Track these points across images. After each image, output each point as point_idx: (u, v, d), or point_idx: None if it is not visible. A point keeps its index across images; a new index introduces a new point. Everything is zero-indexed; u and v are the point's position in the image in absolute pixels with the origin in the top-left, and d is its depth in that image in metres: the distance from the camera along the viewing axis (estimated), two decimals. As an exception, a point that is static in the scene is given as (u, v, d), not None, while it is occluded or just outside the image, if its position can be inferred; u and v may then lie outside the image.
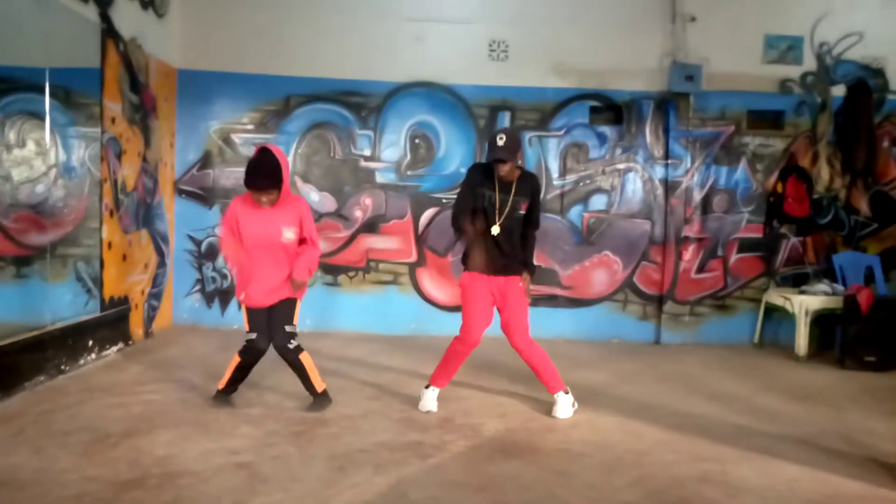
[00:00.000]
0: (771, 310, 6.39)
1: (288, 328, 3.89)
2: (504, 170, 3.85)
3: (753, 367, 5.62)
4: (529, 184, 4.02)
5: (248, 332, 3.91)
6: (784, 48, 6.50)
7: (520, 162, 3.94)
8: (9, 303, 4.70)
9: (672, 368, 5.51)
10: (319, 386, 4.06)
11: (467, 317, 4.02)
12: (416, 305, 6.51)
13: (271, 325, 3.90)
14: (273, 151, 3.75)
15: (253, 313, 3.91)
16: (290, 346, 3.90)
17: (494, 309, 4.07)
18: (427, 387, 4.17)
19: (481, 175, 3.99)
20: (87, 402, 4.02)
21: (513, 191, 3.94)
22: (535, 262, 6.18)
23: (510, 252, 4.00)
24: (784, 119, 6.52)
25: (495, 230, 3.92)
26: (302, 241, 3.94)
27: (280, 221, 3.82)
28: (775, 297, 6.28)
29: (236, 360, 3.96)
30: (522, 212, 3.98)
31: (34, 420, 3.64)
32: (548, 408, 4.17)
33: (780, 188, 6.51)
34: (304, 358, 3.97)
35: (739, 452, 3.57)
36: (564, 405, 4.09)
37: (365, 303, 6.45)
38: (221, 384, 4.05)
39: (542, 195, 4.23)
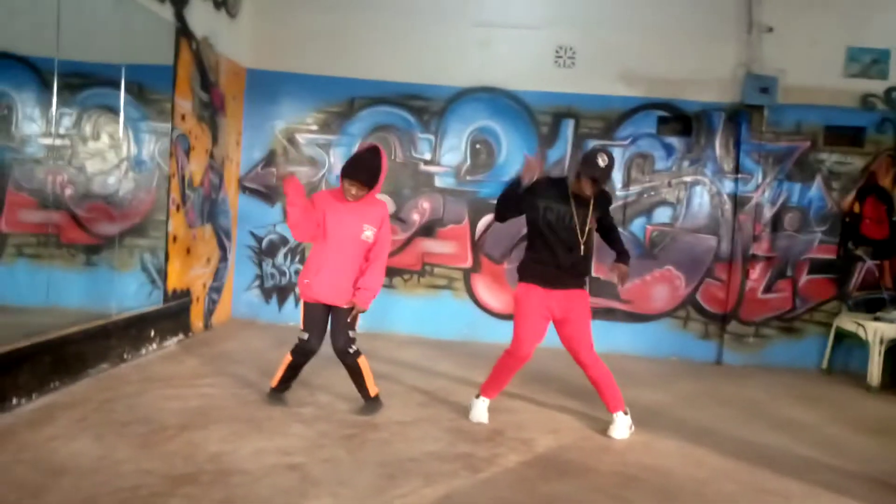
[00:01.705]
0: (842, 335, 6.08)
1: (350, 333, 3.89)
2: (592, 189, 3.76)
3: (821, 396, 5.35)
4: (607, 200, 3.99)
5: (301, 331, 3.91)
6: (868, 62, 6.19)
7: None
8: (78, 290, 4.86)
9: (734, 391, 5.29)
10: (373, 390, 4.05)
11: (519, 330, 3.93)
12: (469, 311, 6.46)
13: (333, 327, 3.90)
14: (380, 153, 3.82)
15: (310, 310, 3.90)
16: (351, 351, 3.90)
17: (548, 324, 3.97)
18: (477, 396, 4.11)
19: (552, 189, 3.88)
20: (147, 392, 4.11)
21: (590, 207, 3.84)
22: (594, 274, 6.13)
23: (579, 268, 3.91)
24: (865, 136, 6.21)
25: (582, 250, 3.84)
26: (365, 257, 3.91)
27: (364, 219, 3.84)
28: (847, 322, 5.97)
29: (288, 358, 3.99)
30: (593, 225, 3.91)
31: (97, 407, 3.74)
32: (603, 426, 4.05)
33: (857, 208, 6.20)
34: (362, 362, 3.97)
35: (805, 487, 3.39)
36: (622, 426, 3.97)
37: (419, 306, 6.44)
38: (274, 382, 4.08)
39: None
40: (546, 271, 3.88)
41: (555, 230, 3.84)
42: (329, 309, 3.90)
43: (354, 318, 3.90)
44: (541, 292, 3.89)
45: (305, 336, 3.89)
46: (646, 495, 3.17)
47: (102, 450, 3.18)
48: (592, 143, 6.28)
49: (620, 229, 6.18)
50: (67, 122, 4.67)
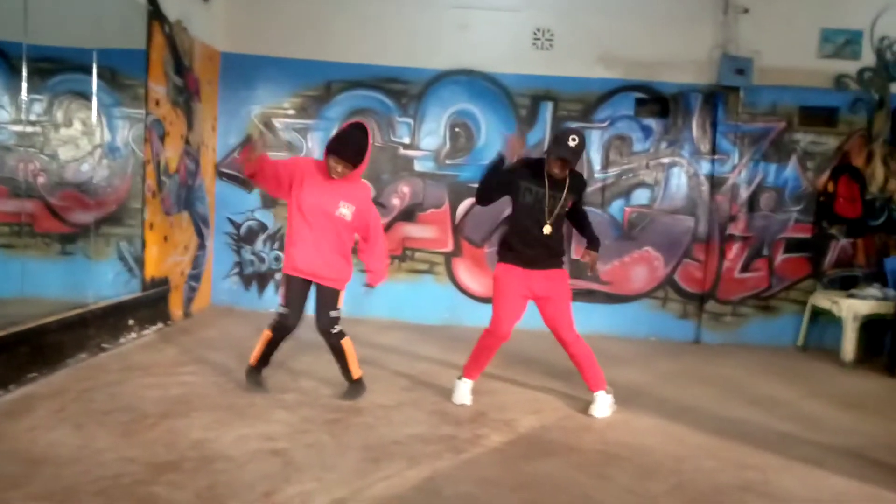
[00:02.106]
0: (817, 313, 6.19)
1: (332, 313, 3.87)
2: (562, 170, 3.79)
3: (798, 372, 5.45)
4: (580, 181, 3.99)
5: (281, 305, 3.87)
6: (841, 42, 6.25)
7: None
8: (53, 279, 4.79)
9: (712, 370, 5.37)
10: (356, 373, 4.04)
11: (498, 310, 3.97)
12: (450, 295, 6.47)
13: (317, 306, 3.87)
14: (367, 131, 3.76)
15: (292, 285, 3.85)
16: (334, 331, 3.89)
17: (527, 304, 4.01)
18: (460, 378, 4.13)
19: (530, 170, 3.92)
20: (127, 381, 4.07)
21: (565, 189, 3.87)
22: (574, 257, 6.17)
23: (554, 247, 3.96)
24: (838, 116, 6.28)
25: (547, 230, 3.87)
26: (363, 238, 3.94)
27: (341, 195, 3.77)
28: (822, 299, 6.08)
29: (267, 334, 3.94)
30: (568, 208, 3.95)
31: (76, 397, 3.70)
32: (584, 405, 4.10)
33: (831, 187, 6.29)
34: (346, 343, 3.96)
35: (783, 461, 3.46)
36: (603, 404, 4.02)
37: (400, 291, 6.43)
38: (253, 360, 4.03)
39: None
40: (523, 252, 3.92)
41: (531, 211, 3.88)
42: (310, 285, 3.87)
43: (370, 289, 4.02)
44: (520, 272, 3.92)
45: (285, 311, 3.84)
46: (627, 472, 3.21)
47: (82, 439, 3.15)
48: (571, 126, 6.31)
49: (599, 211, 6.29)
50: (38, 108, 4.58)
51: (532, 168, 3.92)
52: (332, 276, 3.85)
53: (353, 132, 3.74)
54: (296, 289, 3.86)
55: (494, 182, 3.91)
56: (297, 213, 3.80)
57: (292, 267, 3.84)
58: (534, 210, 3.88)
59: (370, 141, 3.76)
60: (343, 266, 3.89)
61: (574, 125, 6.24)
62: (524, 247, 3.92)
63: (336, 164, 3.69)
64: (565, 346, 4.01)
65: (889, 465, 3.48)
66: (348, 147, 3.68)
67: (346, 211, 3.79)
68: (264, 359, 4.04)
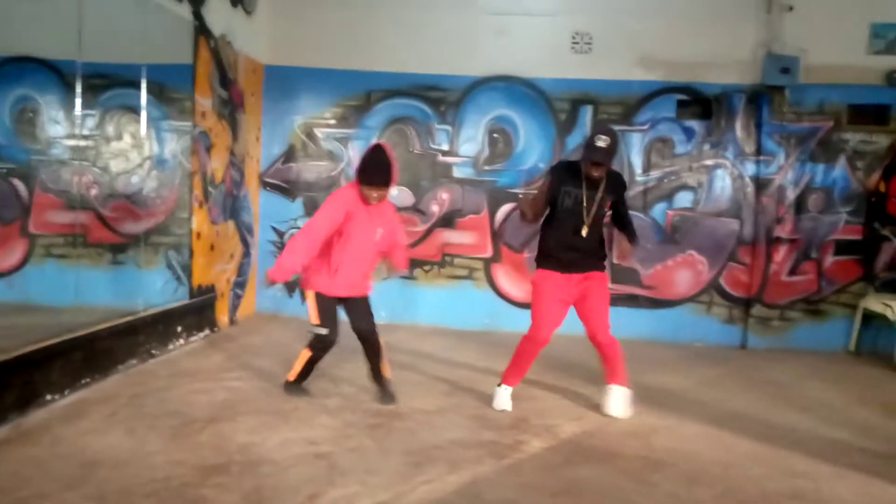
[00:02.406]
0: (869, 316, 6.00)
1: (370, 313, 4.05)
2: (598, 172, 3.77)
3: (849, 377, 5.29)
4: (617, 182, 3.96)
5: (317, 326, 3.92)
6: (893, 37, 6.06)
7: (613, 161, 3.86)
8: (105, 288, 4.96)
9: (760, 375, 5.25)
10: (386, 371, 4.16)
11: (537, 315, 3.95)
12: (490, 301, 6.47)
13: (359, 313, 4.01)
14: (387, 149, 3.86)
15: (325, 303, 3.91)
16: (377, 333, 4.04)
17: (567, 310, 3.99)
18: (500, 385, 4.13)
19: (567, 174, 3.90)
20: (175, 386, 4.18)
21: (601, 190, 3.85)
22: (616, 261, 6.11)
23: (592, 251, 3.94)
24: (889, 114, 6.08)
25: (584, 231, 3.85)
26: (389, 251, 4.10)
27: (377, 222, 3.91)
28: (875, 303, 5.89)
29: (307, 354, 4.01)
30: (607, 210, 3.92)
31: (127, 402, 3.82)
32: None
33: (882, 187, 6.10)
34: (383, 342, 4.10)
35: (834, 469, 3.36)
36: (619, 398, 4.00)
37: (440, 297, 6.46)
38: (291, 377, 4.11)
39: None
40: (562, 256, 3.90)
41: (570, 214, 3.87)
42: (340, 300, 4.00)
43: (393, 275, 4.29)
44: (559, 277, 3.91)
45: (324, 331, 3.90)
46: (672, 479, 3.17)
47: (134, 443, 3.25)
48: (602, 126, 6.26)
49: (642, 215, 6.21)
50: (91, 123, 4.75)
51: (569, 170, 3.91)
52: (363, 290, 4.04)
53: (377, 157, 3.81)
54: (330, 306, 3.95)
55: (542, 197, 3.96)
56: (345, 243, 3.86)
57: (327, 288, 3.92)
58: (572, 213, 3.86)
59: (392, 159, 3.83)
60: (369, 279, 4.10)
61: (612, 126, 6.22)
62: (563, 251, 3.90)
63: (372, 191, 3.79)
64: (599, 346, 3.98)
65: (948, 475, 3.35)
66: (379, 174, 3.78)
67: (379, 235, 3.94)
68: (303, 377, 4.13)
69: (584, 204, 3.83)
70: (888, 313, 5.67)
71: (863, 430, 3.98)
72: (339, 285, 3.91)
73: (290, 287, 6.65)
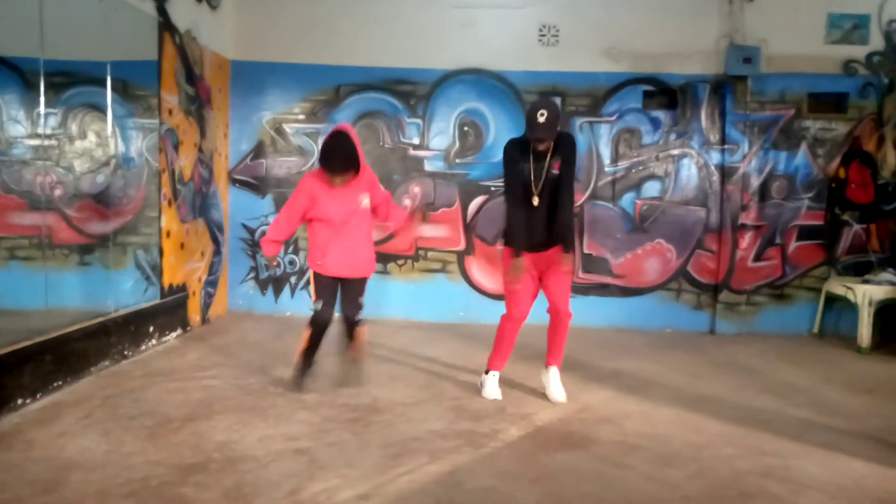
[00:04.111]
0: (832, 299, 6.18)
1: (361, 299, 4.10)
2: (543, 145, 3.81)
3: (814, 359, 5.45)
4: (564, 144, 3.90)
5: (314, 301, 4.04)
6: (849, 27, 6.23)
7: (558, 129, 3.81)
8: (74, 290, 4.87)
9: (728, 359, 5.38)
10: (362, 354, 4.26)
11: (510, 292, 4.01)
12: (464, 293, 6.51)
13: (345, 297, 4.05)
14: (348, 133, 3.84)
15: (322, 283, 4.02)
16: (359, 319, 4.10)
17: (537, 284, 4.05)
18: (486, 372, 4.17)
19: (517, 150, 3.94)
20: (150, 386, 4.14)
21: (548, 156, 3.87)
22: (586, 251, 6.20)
23: (550, 225, 3.93)
24: (848, 102, 6.26)
25: (535, 201, 3.89)
26: (378, 208, 4.14)
27: (358, 190, 3.95)
28: (837, 286, 6.07)
29: (306, 332, 4.07)
30: (556, 172, 3.87)
31: (101, 404, 3.78)
32: (601, 399, 4.15)
33: (842, 174, 6.28)
34: (364, 330, 4.16)
35: (802, 447, 3.47)
36: (558, 379, 4.13)
37: (414, 291, 6.48)
38: (296, 358, 4.14)
39: (577, 156, 4.06)
40: (523, 232, 3.93)
41: (524, 189, 3.92)
42: (339, 280, 4.04)
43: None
44: (526, 256, 3.94)
45: (319, 306, 4.00)
46: (647, 462, 3.24)
47: (110, 444, 3.22)
48: (580, 121, 6.34)
49: (611, 205, 6.29)
50: (53, 122, 4.65)
51: (518, 146, 3.94)
52: (362, 270, 4.07)
53: (335, 142, 3.80)
54: (327, 284, 4.02)
55: (513, 182, 3.98)
56: (321, 224, 3.96)
57: (323, 267, 3.99)
58: (525, 186, 3.91)
59: (356, 140, 3.83)
60: (370, 256, 4.12)
61: (580, 119, 6.29)
62: (523, 227, 3.92)
63: (333, 176, 3.82)
64: (556, 316, 4.02)
65: (908, 448, 3.49)
66: (336, 160, 3.79)
67: (367, 201, 3.99)
68: (307, 356, 4.15)
69: (533, 175, 3.88)
70: (850, 296, 5.84)
71: (827, 409, 4.12)
72: (332, 265, 3.98)
73: (263, 284, 6.61)
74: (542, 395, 4.22)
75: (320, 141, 6.30)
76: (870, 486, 3.03)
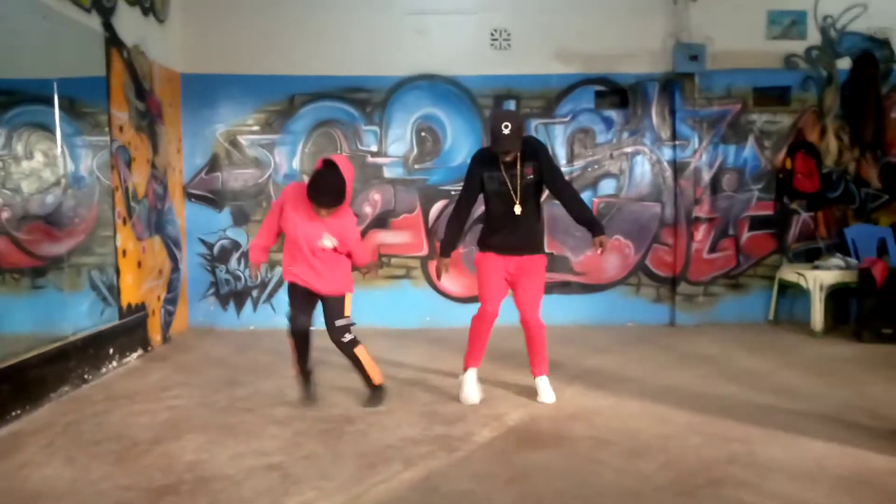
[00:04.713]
0: (785, 286, 6.39)
1: (339, 322, 3.94)
2: (510, 157, 3.88)
3: (770, 345, 5.63)
4: (530, 147, 3.95)
5: (288, 310, 3.99)
6: (787, 23, 6.46)
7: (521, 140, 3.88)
8: (26, 315, 4.73)
9: (689, 350, 5.52)
10: (377, 379, 4.12)
11: (482, 290, 4.08)
12: (429, 298, 6.53)
13: (327, 314, 3.95)
14: (339, 167, 3.72)
15: (293, 290, 3.97)
16: (345, 340, 3.94)
17: (507, 285, 4.12)
18: (464, 372, 4.19)
19: (486, 160, 3.99)
20: (113, 410, 4.04)
21: (518, 163, 3.92)
22: (547, 250, 6.26)
23: (528, 230, 4.03)
24: (790, 95, 6.49)
25: (518, 209, 3.94)
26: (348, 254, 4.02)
27: (325, 227, 3.82)
28: (789, 273, 6.28)
29: (290, 343, 4.03)
30: (530, 177, 3.93)
31: (63, 430, 3.67)
32: (569, 395, 4.22)
33: (788, 164, 6.49)
34: (360, 351, 4.01)
35: (765, 431, 3.59)
36: (547, 388, 4.17)
37: (379, 298, 6.46)
38: (293, 369, 4.12)
39: (549, 152, 4.14)
40: (498, 239, 4.03)
41: (499, 196, 3.98)
42: (322, 300, 3.97)
43: (369, 273, 4.32)
44: (497, 257, 4.03)
45: (291, 313, 3.95)
46: (617, 456, 3.30)
47: (76, 471, 3.14)
48: (535, 122, 6.43)
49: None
50: (-3, 143, 4.52)
51: (487, 156, 3.99)
52: (332, 289, 3.94)
53: (325, 175, 3.71)
54: (298, 292, 3.95)
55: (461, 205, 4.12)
56: (289, 239, 3.92)
57: (293, 276, 3.94)
58: (500, 194, 3.97)
59: (346, 174, 3.75)
60: (340, 278, 3.97)
61: (535, 121, 6.38)
62: (500, 233, 4.02)
63: (319, 208, 3.75)
64: (526, 325, 4.09)
65: (864, 427, 3.63)
66: (324, 194, 3.70)
67: (328, 242, 3.85)
68: (302, 365, 4.10)
69: (509, 183, 3.93)
70: (801, 282, 6.05)
71: (787, 393, 4.26)
72: (301, 275, 3.91)
73: (224, 299, 6.51)
74: (513, 395, 4.27)
75: (276, 152, 6.38)
76: (830, 465, 3.14)
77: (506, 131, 3.75)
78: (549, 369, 4.23)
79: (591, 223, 4.00)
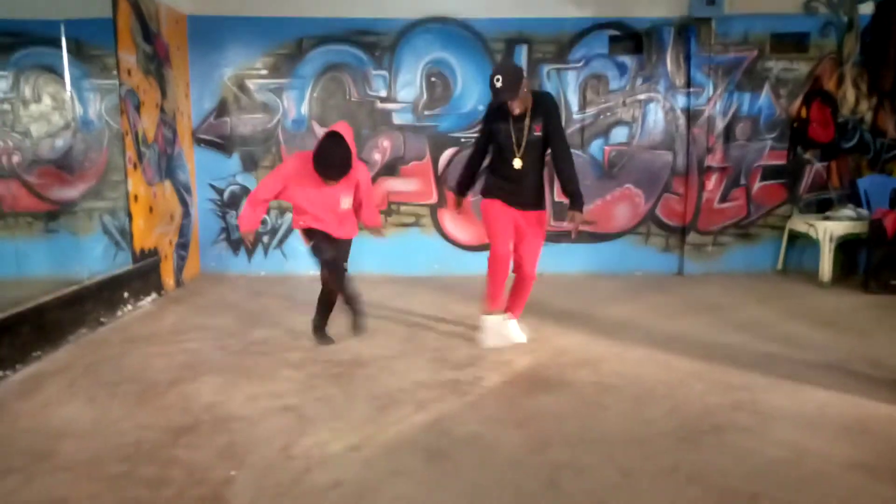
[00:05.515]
0: (795, 237, 6.39)
1: (345, 264, 4.19)
2: (515, 106, 3.86)
3: (778, 294, 5.66)
4: (542, 104, 3.96)
5: (311, 247, 4.10)
6: (809, -34, 6.26)
7: (525, 90, 3.85)
8: (41, 258, 4.80)
9: (697, 298, 5.56)
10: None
11: (491, 233, 4.12)
12: (438, 246, 6.56)
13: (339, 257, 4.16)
14: (344, 137, 3.80)
15: (314, 233, 4.06)
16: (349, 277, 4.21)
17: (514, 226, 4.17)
18: (486, 315, 4.24)
19: (497, 112, 4.00)
20: (130, 352, 4.14)
21: (527, 117, 3.93)
22: (557, 199, 6.25)
23: (529, 185, 4.05)
24: (809, 41, 6.33)
25: (517, 163, 3.96)
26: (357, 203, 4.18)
27: (339, 192, 3.98)
28: (799, 223, 6.26)
29: (328, 276, 4.15)
30: (537, 133, 3.94)
31: (83, 371, 3.77)
32: (577, 343, 4.30)
33: (804, 113, 6.39)
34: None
35: (768, 380, 3.65)
36: (517, 328, 4.30)
37: (388, 245, 6.43)
38: (316, 309, 4.29)
39: (561, 116, 4.19)
40: (500, 190, 4.07)
41: (503, 148, 4.01)
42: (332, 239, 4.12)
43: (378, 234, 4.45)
44: (503, 204, 4.08)
45: (324, 248, 4.05)
46: (623, 401, 3.38)
47: (97, 411, 3.24)
48: (547, 68, 6.32)
49: (579, 152, 6.33)
50: (4, 85, 4.50)
51: (500, 109, 3.98)
52: (348, 234, 4.16)
53: (331, 148, 3.79)
54: (320, 234, 4.07)
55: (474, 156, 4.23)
56: (302, 209, 4.03)
57: (307, 224, 4.05)
58: (505, 147, 3.99)
59: (350, 142, 3.83)
60: (354, 223, 4.22)
61: (547, 66, 6.27)
62: (502, 183, 4.06)
63: (327, 179, 3.86)
64: (521, 277, 4.21)
65: (866, 376, 3.69)
66: (332, 168, 3.81)
67: (347, 204, 4.05)
68: (326, 307, 4.28)
69: (514, 136, 3.94)
70: (811, 232, 6.04)
71: (792, 343, 4.31)
72: (325, 228, 4.05)
73: (235, 245, 6.56)
74: (520, 344, 4.31)
75: (285, 96, 6.32)
76: (832, 413, 3.21)
77: (498, 84, 3.74)
78: (556, 316, 4.29)
79: (573, 195, 4.00)
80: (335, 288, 4.19)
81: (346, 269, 4.19)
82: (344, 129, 3.88)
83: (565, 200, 4.14)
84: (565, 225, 6.37)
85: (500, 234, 4.08)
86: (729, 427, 3.07)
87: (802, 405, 3.31)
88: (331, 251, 4.07)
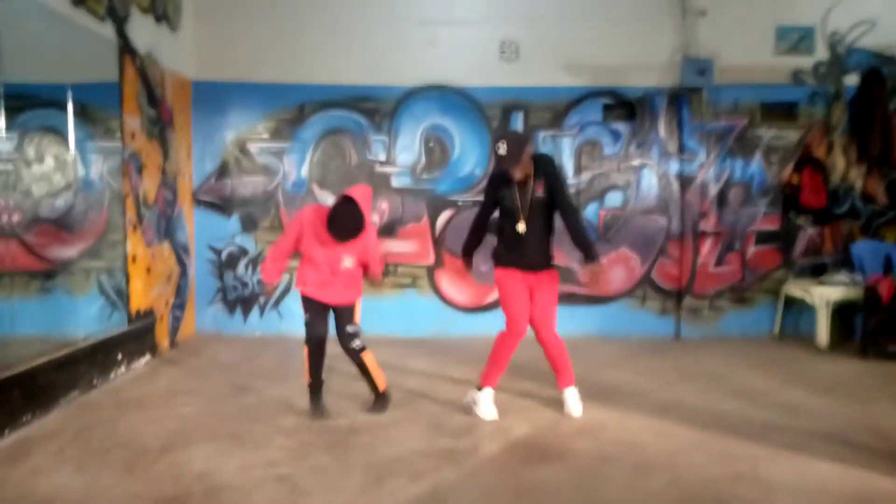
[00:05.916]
0: (790, 301, 6.40)
1: (349, 329, 4.08)
2: (516, 172, 3.93)
3: (775, 361, 5.63)
4: (542, 166, 4.03)
5: (308, 330, 4.06)
6: (795, 39, 6.49)
7: (524, 159, 3.92)
8: (36, 318, 4.76)
9: (694, 364, 5.53)
10: (382, 385, 4.20)
11: (509, 308, 4.09)
12: (435, 308, 6.55)
13: (338, 323, 4.08)
14: (358, 202, 3.80)
15: (309, 301, 4.05)
16: (355, 346, 4.07)
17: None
18: (479, 389, 4.17)
19: (501, 178, 4.06)
20: (122, 417, 4.08)
21: (530, 181, 4.00)
22: (556, 262, 6.28)
23: (538, 248, 4.08)
24: (798, 110, 6.51)
25: (521, 227, 4.00)
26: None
27: (343, 252, 3.96)
28: (794, 288, 6.29)
29: (305, 350, 4.10)
30: (540, 194, 3.98)
31: (73, 437, 3.71)
32: (575, 409, 4.24)
33: (795, 179, 6.50)
34: (368, 357, 4.12)
35: (769, 450, 3.60)
36: (574, 399, 4.18)
37: (386, 306, 6.49)
38: (305, 378, 4.15)
39: (561, 175, 4.26)
40: (512, 255, 4.08)
41: (508, 213, 4.06)
42: (333, 309, 4.08)
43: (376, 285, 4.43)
44: (516, 272, 4.08)
45: (309, 321, 4.03)
46: (623, 472, 3.33)
47: (86, 479, 3.17)
48: (543, 134, 6.46)
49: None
50: (9, 146, 4.56)
51: (502, 175, 4.04)
52: (345, 299, 4.07)
53: (344, 212, 3.80)
54: (313, 303, 4.05)
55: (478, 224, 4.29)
56: (306, 260, 4.03)
57: (307, 291, 4.04)
58: (511, 211, 4.04)
59: (365, 207, 3.84)
60: (354, 289, 4.11)
61: (542, 133, 6.41)
62: (510, 250, 4.09)
63: (336, 240, 3.85)
64: (544, 344, 4.15)
65: (868, 447, 3.64)
66: (343, 231, 3.81)
67: (349, 264, 4.00)
68: (315, 375, 4.15)
69: (518, 201, 3.99)
70: (807, 298, 6.06)
71: (790, 410, 4.27)
72: (314, 290, 4.02)
73: (231, 305, 6.55)
74: (517, 408, 4.28)
75: (285, 160, 6.42)
76: (834, 487, 3.16)
77: (500, 151, 3.84)
78: (554, 381, 4.25)
79: (586, 248, 4.03)
80: (308, 357, 4.11)
81: (352, 334, 4.08)
82: (362, 192, 3.91)
83: (562, 263, 4.17)
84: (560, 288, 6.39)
85: (519, 308, 4.06)
86: (731, 499, 3.02)
87: (804, 477, 3.26)
88: (319, 331, 4.03)
